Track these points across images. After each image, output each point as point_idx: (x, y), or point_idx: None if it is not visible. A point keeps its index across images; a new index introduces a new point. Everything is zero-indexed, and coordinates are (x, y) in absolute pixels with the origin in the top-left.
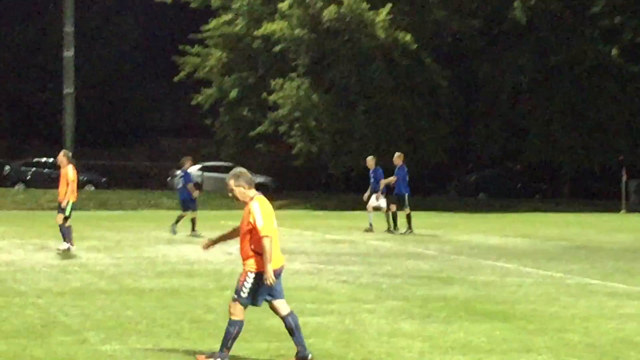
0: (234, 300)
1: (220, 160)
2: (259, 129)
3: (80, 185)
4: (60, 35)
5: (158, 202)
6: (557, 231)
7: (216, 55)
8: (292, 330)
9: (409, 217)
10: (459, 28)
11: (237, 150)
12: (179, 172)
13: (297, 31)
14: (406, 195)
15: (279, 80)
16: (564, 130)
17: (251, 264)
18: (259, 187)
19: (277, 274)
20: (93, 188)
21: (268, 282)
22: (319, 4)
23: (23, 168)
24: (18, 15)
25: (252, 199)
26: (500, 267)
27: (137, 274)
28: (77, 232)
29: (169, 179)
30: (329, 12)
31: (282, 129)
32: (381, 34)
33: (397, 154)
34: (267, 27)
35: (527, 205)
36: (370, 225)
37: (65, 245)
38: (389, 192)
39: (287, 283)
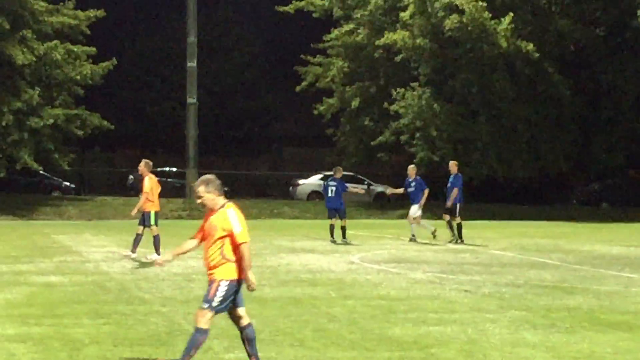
0: (204, 309)
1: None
2: (380, 138)
3: None
4: (183, 46)
5: (280, 211)
6: None
7: (338, 65)
8: (251, 341)
9: (459, 226)
10: (581, 37)
11: (359, 159)
12: (330, 182)
13: (418, 40)
14: (459, 205)
15: (401, 90)
16: None
17: (223, 272)
18: (379, 196)
19: (235, 285)
20: None
21: (250, 288)
22: (441, 13)
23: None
24: (142, 26)
25: (223, 206)
26: (624, 277)
27: (260, 282)
28: None
29: (290, 188)
30: (451, 21)
31: (403, 138)
32: (503, 43)
33: (452, 162)
34: (389, 37)
35: None
36: (413, 235)
37: (155, 256)
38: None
39: (410, 292)
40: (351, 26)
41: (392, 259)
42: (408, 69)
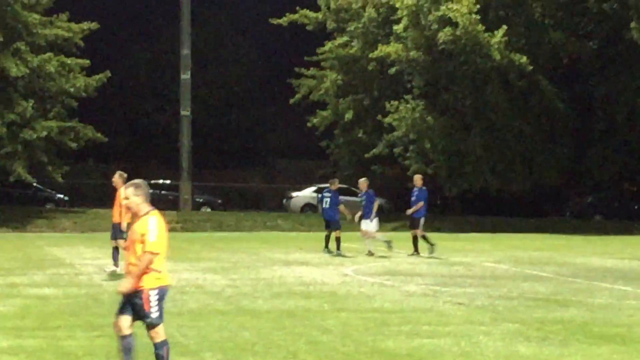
0: (152, 327)
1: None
2: (374, 150)
3: (197, 207)
4: (177, 58)
5: (274, 223)
6: None
7: (331, 78)
8: (127, 350)
9: (422, 238)
10: (574, 50)
11: (353, 172)
12: (325, 193)
13: (412, 53)
14: (423, 218)
15: (394, 103)
16: None
17: (148, 281)
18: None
19: (165, 291)
20: (209, 209)
21: (119, 291)
22: (435, 26)
23: None
24: (135, 38)
25: (147, 213)
26: (617, 289)
27: (254, 295)
28: (194, 254)
29: (284, 200)
30: (444, 34)
31: (397, 150)
32: (497, 55)
33: (418, 176)
34: (382, 50)
35: None
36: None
37: (112, 268)
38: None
39: (403, 305)
40: (345, 39)
41: (386, 272)
42: (402, 81)
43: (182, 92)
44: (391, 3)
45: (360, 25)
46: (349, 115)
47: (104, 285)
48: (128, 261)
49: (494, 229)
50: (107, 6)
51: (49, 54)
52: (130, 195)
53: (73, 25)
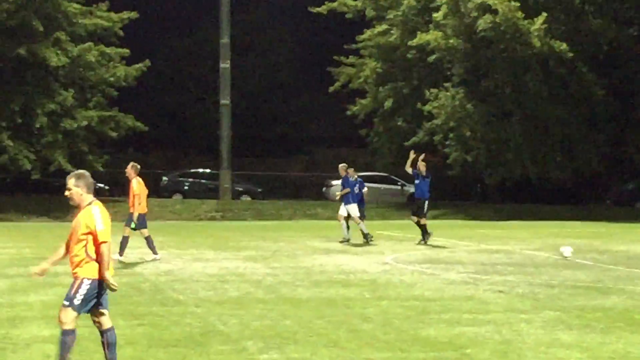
0: (66, 307)
1: (375, 170)
2: (414, 138)
3: (236, 196)
4: (216, 47)
5: (313, 212)
6: None
7: (371, 66)
8: (110, 345)
9: (423, 226)
10: (614, 36)
11: (392, 160)
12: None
13: (451, 41)
14: (427, 204)
15: (434, 90)
16: None
17: (86, 270)
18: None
19: (97, 284)
20: (249, 198)
21: (112, 289)
22: (474, 14)
23: (180, 179)
24: (175, 28)
25: (90, 204)
26: None
27: (294, 283)
28: (235, 242)
29: (323, 189)
30: (484, 21)
31: (436, 138)
32: (536, 42)
33: (421, 162)
34: (422, 37)
35: None
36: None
37: (117, 256)
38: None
39: (444, 293)
40: (384, 27)
41: (426, 260)
42: (441, 69)
43: (222, 81)
44: None
45: (399, 13)
46: (388, 104)
47: (145, 274)
48: (70, 253)
49: (534, 217)
50: None
51: (89, 43)
52: (70, 185)
53: (113, 15)
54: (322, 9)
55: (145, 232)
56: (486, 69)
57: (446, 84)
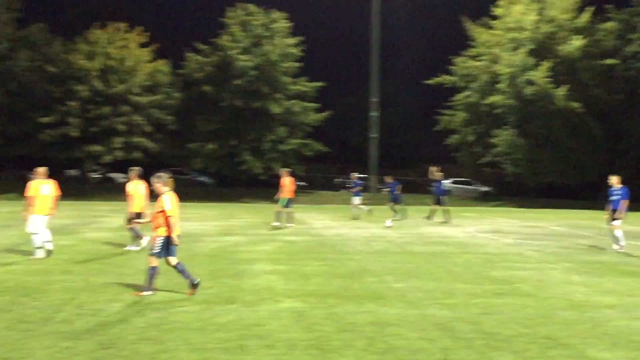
0: (151, 255)
1: (461, 177)
2: (484, 159)
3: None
4: (369, 103)
5: (423, 201)
6: None
7: (460, 116)
8: (183, 271)
9: (446, 212)
10: (608, 99)
11: (471, 171)
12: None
13: (509, 101)
14: (445, 197)
15: (497, 131)
16: None
17: (161, 231)
18: (484, 194)
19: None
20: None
21: (174, 243)
22: (522, 85)
23: (339, 180)
24: (345, 90)
25: (163, 193)
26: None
27: (414, 243)
28: (379, 219)
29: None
30: (529, 89)
31: (498, 159)
32: (560, 103)
33: (433, 167)
34: (491, 99)
35: None
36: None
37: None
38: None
39: (502, 250)
40: (468, 93)
41: (492, 230)
42: (502, 118)
43: (371, 123)
44: (497, 71)
45: (478, 85)
46: (470, 138)
47: (327, 235)
48: (155, 221)
49: (556, 207)
50: (330, 69)
51: (294, 100)
52: (153, 182)
53: (309, 84)
54: (432, 81)
55: (287, 210)
56: (529, 118)
57: (505, 127)
